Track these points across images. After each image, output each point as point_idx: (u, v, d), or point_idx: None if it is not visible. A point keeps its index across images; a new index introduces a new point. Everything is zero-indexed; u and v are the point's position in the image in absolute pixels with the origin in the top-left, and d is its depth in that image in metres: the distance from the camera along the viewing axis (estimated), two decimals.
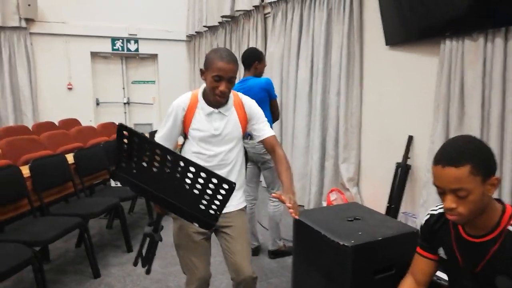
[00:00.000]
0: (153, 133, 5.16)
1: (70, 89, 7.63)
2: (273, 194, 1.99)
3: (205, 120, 1.77)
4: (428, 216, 1.43)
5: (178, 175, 1.26)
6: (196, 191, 1.30)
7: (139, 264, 1.72)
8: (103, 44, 7.88)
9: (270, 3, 5.02)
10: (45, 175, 3.08)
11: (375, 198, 3.64)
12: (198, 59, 8.07)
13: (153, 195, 1.37)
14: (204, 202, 1.34)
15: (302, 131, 4.40)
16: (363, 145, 3.91)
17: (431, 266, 1.43)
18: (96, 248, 3.19)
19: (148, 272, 1.75)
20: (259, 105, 2.92)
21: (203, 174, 1.25)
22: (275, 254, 3.17)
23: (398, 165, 3.38)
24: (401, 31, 3.27)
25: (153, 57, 8.48)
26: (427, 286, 1.45)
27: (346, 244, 1.86)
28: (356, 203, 2.82)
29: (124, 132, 1.18)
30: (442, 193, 1.18)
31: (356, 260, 1.87)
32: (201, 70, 1.74)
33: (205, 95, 1.79)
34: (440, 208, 1.40)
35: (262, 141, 1.93)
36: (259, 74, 3.08)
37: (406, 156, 3.33)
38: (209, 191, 1.29)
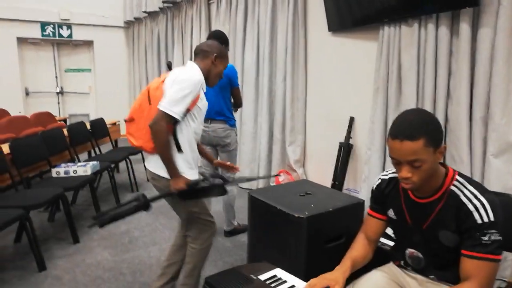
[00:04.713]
0: (95, 121, 4.93)
1: None
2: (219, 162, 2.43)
3: (204, 96, 2.03)
4: (380, 180, 1.56)
5: None
6: None
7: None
8: (31, 29, 7.33)
9: None
10: None
11: (320, 177, 3.83)
12: (137, 46, 7.79)
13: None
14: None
15: (250, 117, 4.48)
16: (308, 127, 4.08)
17: (380, 225, 1.57)
18: (38, 242, 3.01)
19: (102, 225, 1.79)
20: (220, 91, 2.99)
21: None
22: (231, 233, 3.25)
23: (341, 145, 3.57)
24: (343, 18, 3.44)
25: (89, 44, 8.05)
26: (376, 243, 1.61)
27: (301, 216, 1.97)
28: (306, 180, 2.96)
29: None
30: (397, 164, 1.29)
31: (310, 230, 1.99)
32: (216, 56, 2.03)
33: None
34: (390, 173, 1.53)
35: None
36: None
37: (348, 136, 3.54)
38: None
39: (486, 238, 1.22)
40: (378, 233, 1.59)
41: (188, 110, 1.89)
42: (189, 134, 1.95)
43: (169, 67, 2.28)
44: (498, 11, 2.31)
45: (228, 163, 2.44)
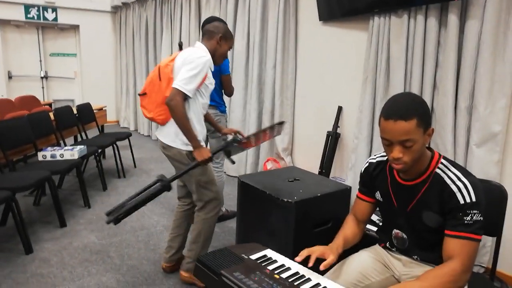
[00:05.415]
0: (82, 106, 4.87)
1: None
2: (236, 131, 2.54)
3: (211, 75, 2.20)
4: (367, 164, 1.61)
5: None
6: None
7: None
8: (14, 11, 7.13)
9: None
10: None
11: (308, 165, 3.88)
12: (125, 32, 7.67)
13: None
14: None
15: (239, 104, 4.48)
16: (297, 116, 4.11)
17: (368, 207, 1.63)
18: (25, 225, 2.99)
19: (117, 222, 1.87)
20: None
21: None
22: (219, 219, 3.26)
23: (329, 134, 3.62)
24: (333, 8, 3.45)
25: (74, 28, 7.89)
26: (365, 224, 1.67)
27: (289, 200, 2.00)
28: (294, 166, 2.99)
29: None
30: (389, 145, 1.32)
31: (299, 215, 2.03)
32: (221, 36, 2.22)
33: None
34: (378, 157, 1.58)
35: None
36: None
37: (336, 125, 3.58)
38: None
39: (468, 218, 1.27)
40: (367, 215, 1.64)
41: (197, 88, 2.09)
42: (197, 109, 2.15)
43: (180, 47, 2.50)
44: (485, 4, 2.37)
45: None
